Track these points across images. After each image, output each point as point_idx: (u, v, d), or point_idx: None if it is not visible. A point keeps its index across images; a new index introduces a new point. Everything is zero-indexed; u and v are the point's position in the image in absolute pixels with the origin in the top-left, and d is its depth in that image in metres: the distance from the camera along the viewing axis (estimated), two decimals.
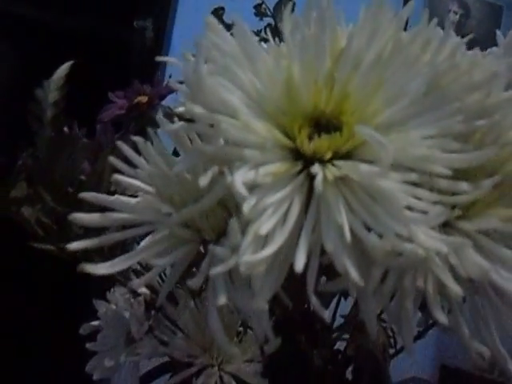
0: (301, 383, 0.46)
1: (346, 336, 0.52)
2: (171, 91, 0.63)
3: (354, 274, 0.24)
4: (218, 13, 0.65)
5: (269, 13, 0.70)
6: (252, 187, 0.26)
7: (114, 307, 0.55)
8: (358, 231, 0.25)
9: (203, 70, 0.27)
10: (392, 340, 0.56)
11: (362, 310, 0.26)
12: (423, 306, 0.56)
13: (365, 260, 0.26)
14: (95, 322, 0.57)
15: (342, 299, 0.54)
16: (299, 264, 0.24)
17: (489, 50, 0.37)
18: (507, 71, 0.31)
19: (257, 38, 0.31)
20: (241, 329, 0.50)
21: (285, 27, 0.30)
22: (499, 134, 0.31)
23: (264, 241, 0.25)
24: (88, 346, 0.56)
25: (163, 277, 0.46)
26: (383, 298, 0.27)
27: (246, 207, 0.25)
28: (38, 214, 0.43)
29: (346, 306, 0.52)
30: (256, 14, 0.71)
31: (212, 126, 0.26)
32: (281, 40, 0.32)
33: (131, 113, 0.62)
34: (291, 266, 0.44)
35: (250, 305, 0.25)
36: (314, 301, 0.25)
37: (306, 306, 0.50)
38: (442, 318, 0.25)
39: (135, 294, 0.54)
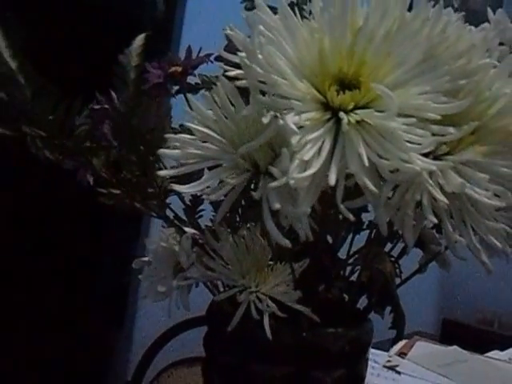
0: (323, 301, 0.56)
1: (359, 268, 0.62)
2: (203, 61, 0.72)
3: (369, 185, 0.34)
4: None
5: None
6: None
7: (163, 244, 0.64)
8: (372, 158, 0.35)
9: (260, 41, 0.37)
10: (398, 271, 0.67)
11: (377, 216, 0.36)
12: (422, 245, 0.66)
13: (378, 182, 0.37)
14: (145, 258, 0.66)
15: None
16: (332, 179, 0.34)
17: (481, 25, 0.47)
18: (490, 42, 0.41)
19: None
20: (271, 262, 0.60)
21: (314, 7, 0.40)
22: (478, 92, 0.41)
23: (305, 166, 0.36)
24: (140, 277, 0.65)
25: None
26: (391, 208, 0.37)
27: (294, 140, 0.35)
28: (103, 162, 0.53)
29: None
30: None
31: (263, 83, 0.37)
32: (302, 16, 0.41)
33: (168, 81, 0.71)
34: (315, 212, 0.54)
35: (295, 210, 0.36)
36: (343, 208, 0.35)
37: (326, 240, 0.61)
38: (432, 218, 0.36)
39: (182, 232, 0.64)
